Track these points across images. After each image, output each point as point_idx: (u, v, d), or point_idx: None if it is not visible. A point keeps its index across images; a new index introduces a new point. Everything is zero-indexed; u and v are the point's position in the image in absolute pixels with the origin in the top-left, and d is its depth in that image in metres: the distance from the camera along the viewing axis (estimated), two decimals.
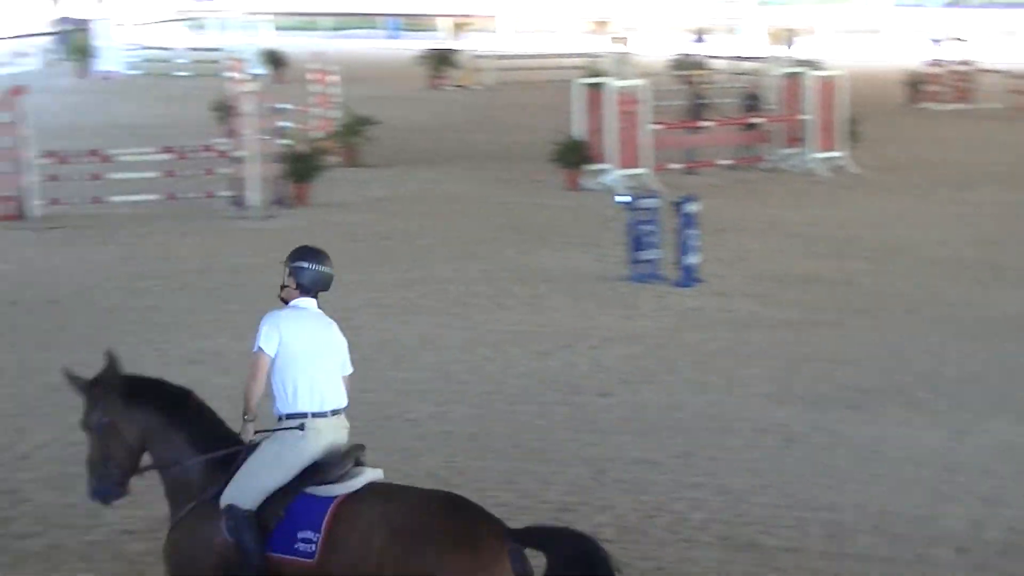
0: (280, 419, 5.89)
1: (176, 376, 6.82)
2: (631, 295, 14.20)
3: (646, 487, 8.87)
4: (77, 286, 14.44)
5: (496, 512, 5.85)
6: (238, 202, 18.92)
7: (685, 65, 33.14)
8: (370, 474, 5.86)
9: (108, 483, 6.04)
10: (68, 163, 19.01)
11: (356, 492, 5.73)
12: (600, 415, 10.40)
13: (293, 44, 41.43)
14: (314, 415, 5.88)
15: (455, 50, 39.10)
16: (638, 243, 14.84)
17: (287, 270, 6.10)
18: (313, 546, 5.57)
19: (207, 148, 19.83)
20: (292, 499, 5.69)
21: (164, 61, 40.93)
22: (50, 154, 18.92)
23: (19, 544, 8.06)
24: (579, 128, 21.29)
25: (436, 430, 10.05)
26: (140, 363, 11.33)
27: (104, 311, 13.39)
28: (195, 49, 42.57)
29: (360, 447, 5.96)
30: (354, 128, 23.08)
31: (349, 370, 6.16)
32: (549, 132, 21.94)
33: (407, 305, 13.90)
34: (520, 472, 9.15)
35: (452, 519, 5.57)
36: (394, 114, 27.70)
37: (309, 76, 24.92)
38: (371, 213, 18.99)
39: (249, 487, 5.63)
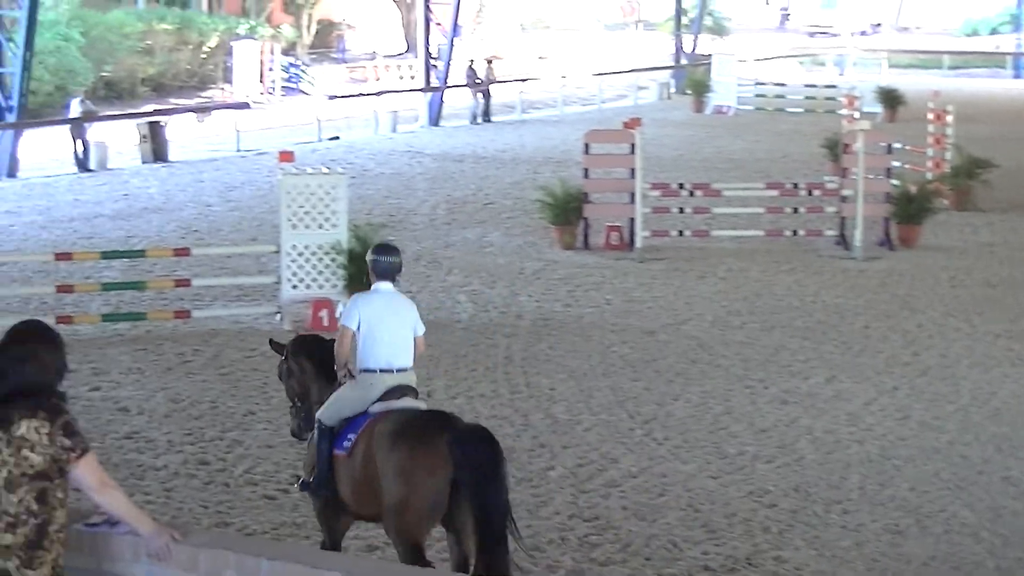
0: (361, 372, 7.89)
1: (765, 416, 7.16)
2: None
3: None
4: (673, 318, 15.32)
5: None
6: (842, 241, 19.21)
7: None
8: (410, 401, 7.80)
9: (298, 421, 8.27)
10: (674, 196, 20.25)
11: (391, 410, 7.66)
12: None
13: (909, 82, 40.97)
14: (381, 371, 7.87)
15: None
16: None
17: (368, 264, 8.24)
18: (350, 444, 7.65)
19: (814, 186, 20.29)
20: (355, 416, 7.75)
21: (778, 97, 42.08)
22: (658, 186, 20.27)
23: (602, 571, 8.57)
24: None
25: None
26: (729, 398, 12.12)
27: (696, 344, 14.12)
28: (809, 86, 43.48)
29: (410, 387, 7.88)
30: (968, 170, 22.59)
31: (421, 330, 8.10)
32: None
33: (1011, 357, 13.54)
34: None
35: (414, 427, 7.39)
36: (1013, 156, 26.77)
37: (927, 115, 24.65)
38: (978, 259, 18.63)
39: (331, 411, 7.84)
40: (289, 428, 8.64)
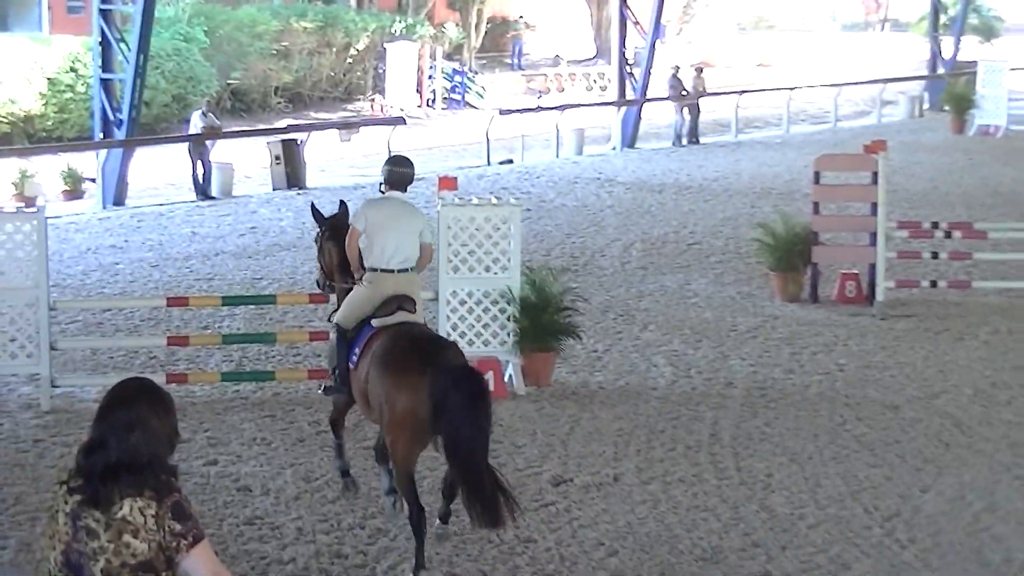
0: (366, 271, 10.65)
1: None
2: None
3: None
4: (922, 390, 15.07)
5: None
6: None
7: None
8: (404, 315, 10.33)
9: (322, 282, 11.78)
10: (926, 237, 19.93)
11: (390, 324, 10.21)
12: None
13: None
14: (381, 270, 10.60)
15: None
16: None
17: (382, 174, 11.01)
18: (356, 357, 10.21)
19: None
20: (363, 326, 10.39)
21: None
22: (906, 224, 19.98)
23: None
24: None
25: None
26: (992, 492, 11.82)
27: (952, 423, 13.84)
28: None
29: (407, 297, 10.42)
30: None
31: (429, 238, 10.94)
32: None
33: None
34: None
35: (401, 357, 9.67)
36: None
37: None
38: None
39: (344, 313, 10.65)
40: (316, 281, 12.40)
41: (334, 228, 11.33)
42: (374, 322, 10.33)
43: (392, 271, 10.63)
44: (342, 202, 11.85)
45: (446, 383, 9.17)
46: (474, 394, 9.14)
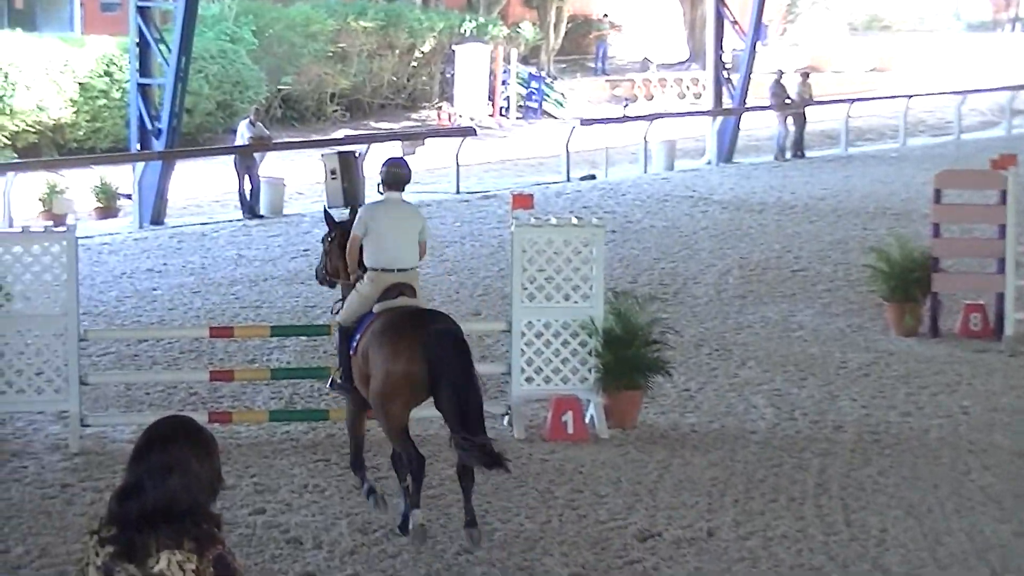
0: (367, 271, 12.20)
1: None
2: None
3: None
4: None
5: None
6: None
7: None
8: (405, 300, 11.96)
9: (321, 276, 13.34)
10: None
11: (387, 308, 11.89)
12: None
13: None
14: (382, 270, 12.11)
15: None
16: None
17: (380, 176, 12.48)
18: (356, 343, 11.91)
19: None
20: (364, 317, 12.04)
21: None
22: None
23: None
24: None
25: None
26: None
27: None
28: None
29: (408, 285, 12.09)
30: None
31: (426, 237, 12.57)
32: None
33: None
34: None
35: (397, 326, 11.56)
36: None
37: None
38: None
39: (346, 313, 12.36)
40: (315, 271, 13.81)
41: (343, 235, 12.68)
42: (375, 308, 12.03)
43: (393, 271, 12.20)
44: (353, 208, 13.29)
45: (439, 342, 11.27)
46: (462, 351, 11.32)
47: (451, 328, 11.46)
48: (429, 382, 11.26)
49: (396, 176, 12.51)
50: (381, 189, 12.48)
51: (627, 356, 14.92)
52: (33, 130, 38.55)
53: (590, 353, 14.94)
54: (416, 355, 11.26)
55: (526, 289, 14.97)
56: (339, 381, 12.58)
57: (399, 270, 12.14)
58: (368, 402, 11.88)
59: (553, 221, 15.51)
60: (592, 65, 61.14)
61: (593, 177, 35.00)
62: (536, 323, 14.98)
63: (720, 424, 15.17)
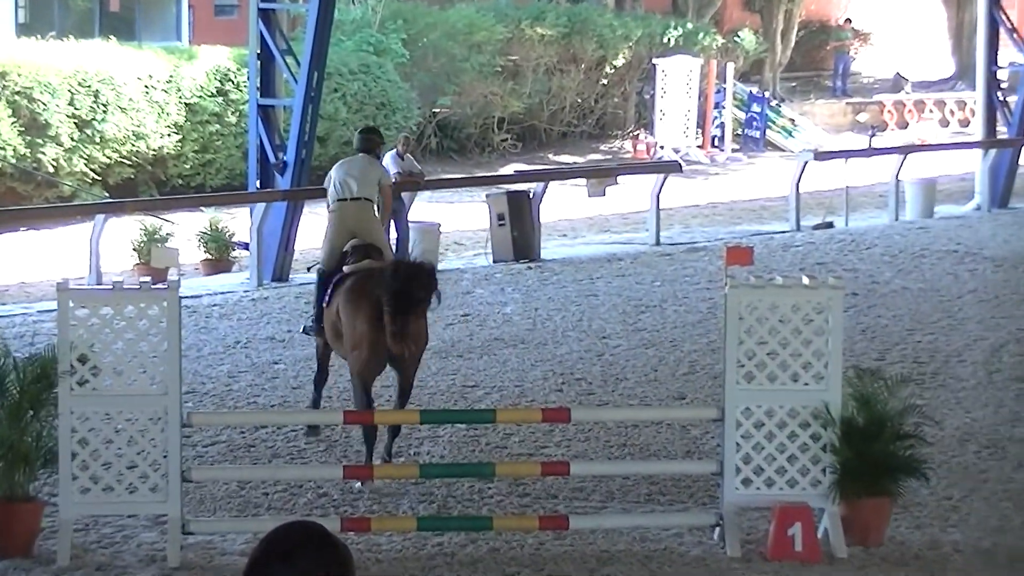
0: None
1: None
2: None
3: None
4: None
5: None
6: None
7: None
8: (371, 262, 17.53)
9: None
10: None
11: (355, 271, 17.51)
12: None
13: None
14: (338, 200, 18.92)
15: None
16: None
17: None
18: (328, 297, 17.59)
19: None
20: (336, 272, 17.81)
21: None
22: None
23: None
24: None
25: None
26: None
27: None
28: None
29: (374, 247, 18.11)
30: None
31: (387, 181, 20.78)
32: None
33: None
34: None
35: (361, 287, 16.87)
36: None
37: None
38: None
39: (323, 254, 18.75)
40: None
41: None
42: (345, 268, 17.58)
43: (346, 199, 18.80)
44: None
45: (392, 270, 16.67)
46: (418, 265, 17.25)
47: (407, 274, 16.61)
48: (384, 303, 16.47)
49: (365, 141, 20.64)
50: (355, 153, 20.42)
51: (872, 453, 14.78)
52: (129, 162, 39.02)
53: (824, 449, 14.81)
54: (378, 314, 16.35)
55: (743, 367, 14.89)
56: (310, 324, 18.61)
57: (352, 198, 18.84)
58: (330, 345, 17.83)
59: (778, 281, 15.46)
60: (830, 84, 60.84)
61: (830, 225, 34.79)
62: (756, 410, 14.89)
63: (991, 542, 14.96)
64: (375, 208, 19.44)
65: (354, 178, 19.05)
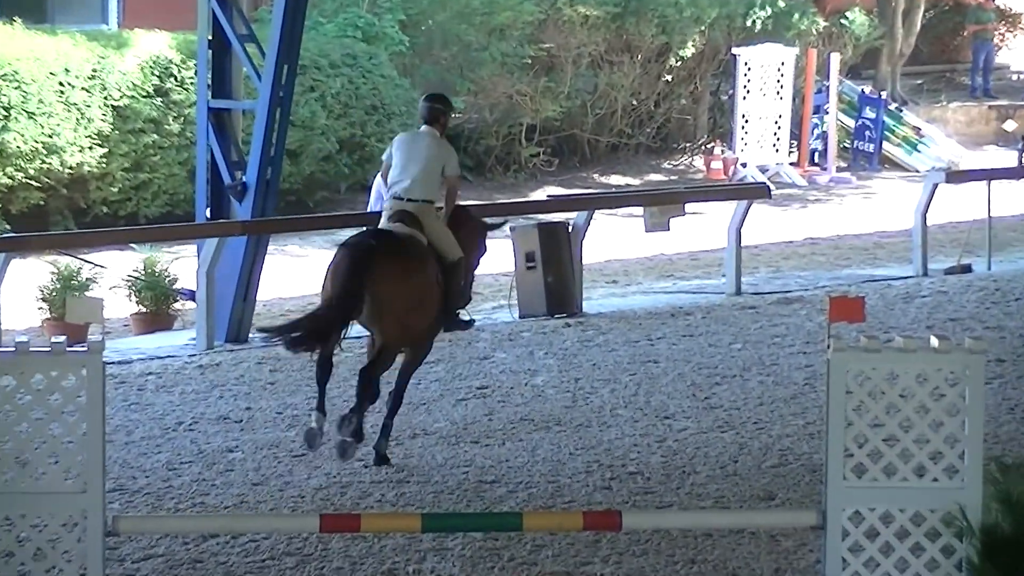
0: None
1: None
2: None
3: None
4: None
5: None
6: None
7: None
8: (401, 226, 20.54)
9: None
10: None
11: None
12: None
13: None
14: (392, 197, 20.85)
15: None
16: None
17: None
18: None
19: None
20: None
21: None
22: None
23: None
24: None
25: None
26: None
27: None
28: None
29: (408, 213, 20.57)
30: None
31: (452, 170, 21.29)
32: None
33: None
34: None
35: (349, 248, 20.56)
36: None
37: None
38: None
39: None
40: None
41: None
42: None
43: (403, 199, 20.43)
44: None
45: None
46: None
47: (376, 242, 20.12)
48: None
49: (428, 110, 21.12)
50: (418, 123, 21.11)
51: (1022, 571, 14.77)
52: (38, 184, 39.16)
53: (960, 566, 14.82)
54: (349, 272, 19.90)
55: (852, 456, 14.90)
56: None
57: (408, 199, 20.40)
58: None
59: (898, 343, 15.46)
60: (967, 81, 60.94)
61: (968, 269, 34.83)
62: (868, 514, 14.89)
63: None
64: (435, 212, 21.10)
65: (414, 171, 20.50)
